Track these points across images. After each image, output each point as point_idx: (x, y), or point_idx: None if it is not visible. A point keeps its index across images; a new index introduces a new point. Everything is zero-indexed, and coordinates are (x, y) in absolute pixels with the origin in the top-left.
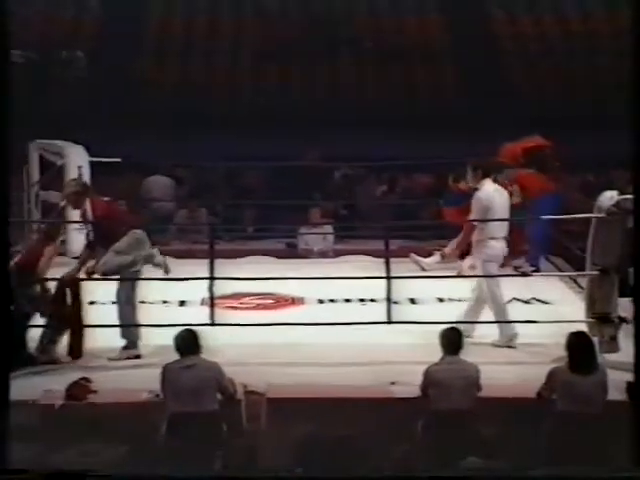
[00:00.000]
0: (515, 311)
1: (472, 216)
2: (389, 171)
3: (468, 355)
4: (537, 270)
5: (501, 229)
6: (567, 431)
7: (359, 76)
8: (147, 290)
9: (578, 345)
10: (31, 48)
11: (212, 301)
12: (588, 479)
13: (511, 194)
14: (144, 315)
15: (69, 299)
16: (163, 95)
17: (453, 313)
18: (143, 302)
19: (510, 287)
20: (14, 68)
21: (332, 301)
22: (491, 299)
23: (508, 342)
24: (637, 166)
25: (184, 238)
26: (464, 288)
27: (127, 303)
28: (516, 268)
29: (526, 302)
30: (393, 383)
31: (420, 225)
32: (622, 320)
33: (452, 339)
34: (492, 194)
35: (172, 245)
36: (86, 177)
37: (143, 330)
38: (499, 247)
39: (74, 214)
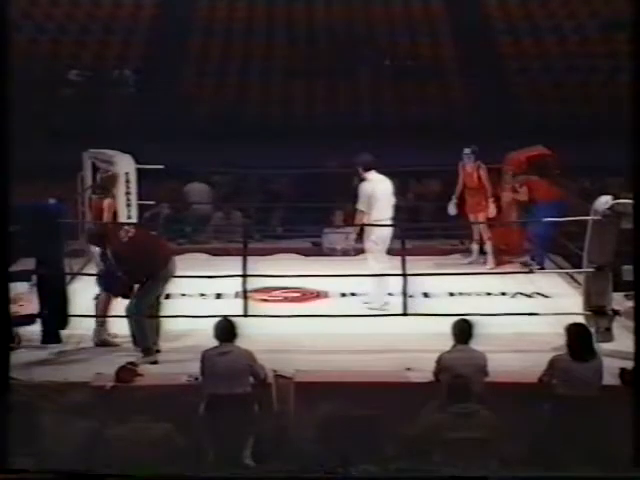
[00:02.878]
0: (519, 304)
1: (359, 202)
2: (402, 177)
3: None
4: (542, 268)
5: (385, 213)
6: (566, 412)
7: (375, 91)
8: (187, 285)
9: (577, 335)
10: (87, 68)
11: (245, 294)
12: (588, 479)
13: (517, 193)
14: (185, 307)
15: None
16: (201, 109)
17: (463, 306)
18: (183, 295)
19: (515, 282)
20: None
21: (353, 295)
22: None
23: (381, 306)
24: (637, 169)
25: (220, 238)
26: (473, 283)
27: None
28: (524, 264)
29: (529, 296)
30: (409, 369)
31: (431, 226)
32: (616, 312)
33: (463, 329)
34: (374, 184)
35: (210, 244)
36: (133, 183)
37: (182, 321)
38: (385, 230)
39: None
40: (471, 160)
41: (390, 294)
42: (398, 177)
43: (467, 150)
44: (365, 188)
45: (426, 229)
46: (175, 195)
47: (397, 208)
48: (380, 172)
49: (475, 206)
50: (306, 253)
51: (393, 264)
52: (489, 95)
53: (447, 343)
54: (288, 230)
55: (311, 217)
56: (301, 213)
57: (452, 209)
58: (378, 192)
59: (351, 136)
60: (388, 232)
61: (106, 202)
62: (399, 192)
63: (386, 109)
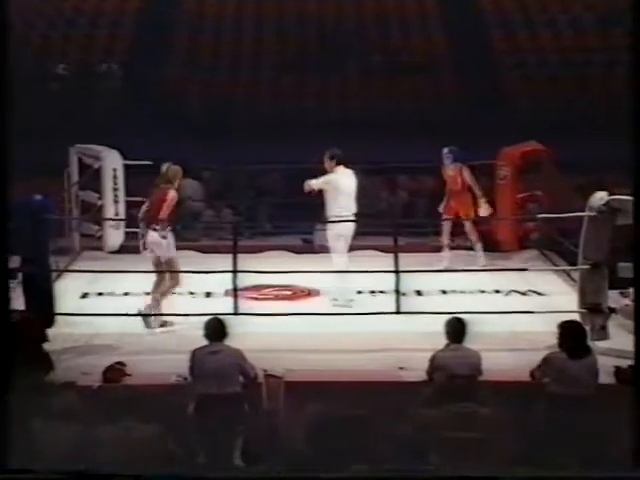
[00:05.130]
0: (513, 302)
1: (327, 194)
2: (394, 173)
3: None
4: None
5: (347, 208)
6: (561, 411)
7: (367, 87)
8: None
9: (570, 332)
10: (73, 62)
11: (235, 292)
12: (588, 479)
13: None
14: (174, 305)
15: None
16: (190, 104)
17: (456, 304)
18: (172, 293)
19: (509, 280)
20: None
21: (352, 294)
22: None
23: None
24: (637, 167)
25: (210, 235)
26: (466, 281)
27: None
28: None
29: (523, 294)
30: (402, 368)
31: (423, 223)
32: (611, 310)
33: (456, 328)
34: (339, 176)
35: (199, 241)
36: (120, 179)
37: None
38: (345, 225)
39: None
40: (450, 160)
41: (382, 292)
42: (391, 173)
43: (445, 150)
44: (330, 177)
45: (418, 226)
46: None
47: (390, 205)
48: (350, 167)
49: (460, 209)
50: (297, 250)
51: (352, 261)
52: (483, 90)
53: (440, 342)
54: (278, 227)
55: (302, 213)
56: (292, 209)
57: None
58: (342, 185)
59: (343, 132)
60: (349, 228)
61: (170, 194)
62: (392, 189)
63: (379, 105)
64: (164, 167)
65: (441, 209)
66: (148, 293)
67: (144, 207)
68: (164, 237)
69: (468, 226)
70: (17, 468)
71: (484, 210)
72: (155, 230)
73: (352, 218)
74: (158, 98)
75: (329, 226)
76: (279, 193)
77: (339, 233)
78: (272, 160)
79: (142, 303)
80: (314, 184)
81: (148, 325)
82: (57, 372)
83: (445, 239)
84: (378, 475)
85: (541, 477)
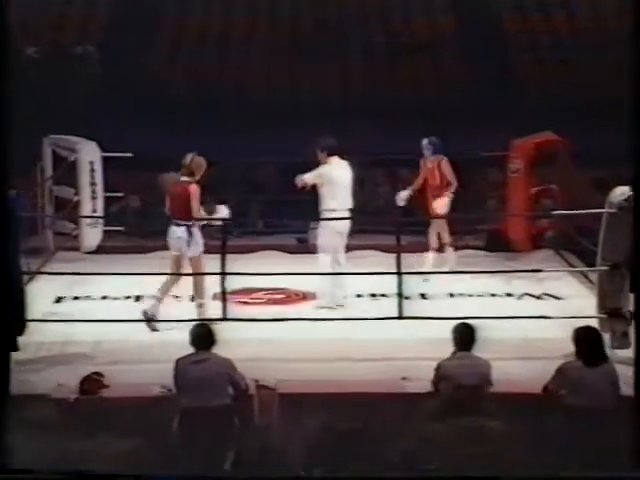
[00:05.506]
0: (526, 306)
1: (321, 188)
2: (395, 165)
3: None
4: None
5: (343, 203)
6: (577, 425)
7: (367, 72)
8: (159, 285)
9: (585, 339)
10: (45, 44)
11: (224, 296)
12: (588, 479)
13: None
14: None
15: None
16: (174, 91)
17: (465, 308)
18: (154, 297)
19: (522, 282)
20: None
21: (344, 297)
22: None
23: (331, 303)
24: (637, 165)
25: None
26: (476, 283)
27: None
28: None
29: (537, 297)
30: (405, 378)
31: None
32: (633, 315)
33: (464, 334)
34: (334, 168)
35: None
36: (98, 173)
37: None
38: (341, 222)
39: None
40: (430, 152)
41: (384, 295)
42: (393, 166)
43: (425, 141)
44: (322, 169)
45: (422, 224)
46: (147, 186)
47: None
48: (345, 159)
49: (436, 204)
50: (291, 250)
51: (350, 261)
52: (492, 76)
53: (447, 350)
54: (271, 225)
55: (296, 211)
56: (285, 206)
57: (401, 199)
58: (336, 178)
59: (342, 121)
60: (344, 225)
61: (193, 188)
62: (393, 182)
63: (379, 92)
64: (187, 158)
65: (400, 200)
66: (129, 297)
67: (167, 203)
68: (190, 235)
69: (442, 226)
70: (17, 468)
71: (439, 205)
72: (179, 227)
73: (348, 214)
74: (139, 84)
75: (323, 222)
76: (272, 188)
77: (335, 230)
78: (265, 152)
79: (146, 305)
80: (307, 178)
81: (154, 329)
82: (29, 384)
83: (432, 239)
84: (378, 475)
85: (541, 477)
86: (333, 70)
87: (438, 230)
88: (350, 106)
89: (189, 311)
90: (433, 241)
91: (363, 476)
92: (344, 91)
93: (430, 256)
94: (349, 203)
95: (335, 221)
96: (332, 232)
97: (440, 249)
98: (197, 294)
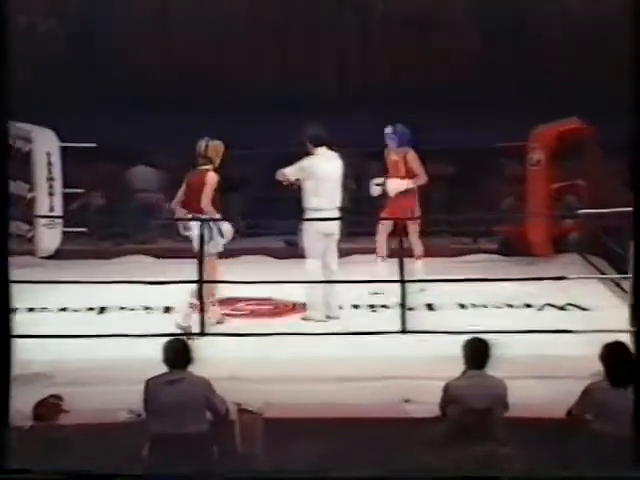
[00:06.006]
0: (548, 318)
1: (304, 183)
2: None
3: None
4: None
5: (330, 201)
6: (604, 456)
7: (367, 50)
8: (127, 295)
9: (615, 356)
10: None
11: (202, 307)
12: (588, 479)
13: None
14: (125, 324)
15: None
16: (142, 71)
17: (477, 321)
18: (123, 308)
19: (543, 291)
20: None
21: (339, 308)
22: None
23: (323, 315)
24: (637, 164)
25: (170, 236)
26: (490, 292)
27: None
28: None
29: (561, 308)
30: (407, 401)
31: (437, 219)
32: None
33: (477, 350)
34: (320, 160)
35: (156, 244)
36: (56, 166)
37: (121, 342)
38: (327, 223)
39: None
40: (394, 142)
41: (385, 306)
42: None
43: (388, 130)
44: (305, 162)
45: (431, 224)
46: (112, 181)
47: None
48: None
49: (402, 204)
50: (278, 255)
51: (344, 268)
52: (510, 54)
53: (456, 368)
54: (255, 226)
55: (285, 209)
56: (272, 204)
57: (375, 190)
58: (321, 172)
59: (338, 107)
60: (331, 226)
61: (210, 176)
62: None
63: (381, 75)
64: (202, 143)
65: (374, 191)
66: (91, 309)
67: (179, 194)
68: (209, 229)
69: (412, 229)
70: (17, 468)
71: (393, 187)
72: (195, 222)
73: (336, 213)
74: (103, 64)
75: (306, 223)
76: (257, 184)
77: (318, 231)
78: (249, 142)
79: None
80: (288, 173)
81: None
82: None
83: (381, 243)
84: (378, 475)
85: (541, 477)
86: (327, 49)
87: (410, 233)
88: (347, 90)
89: (162, 324)
90: (382, 246)
91: (363, 476)
92: (340, 73)
93: (381, 264)
94: (337, 201)
95: (319, 222)
96: (315, 234)
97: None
98: (198, 294)
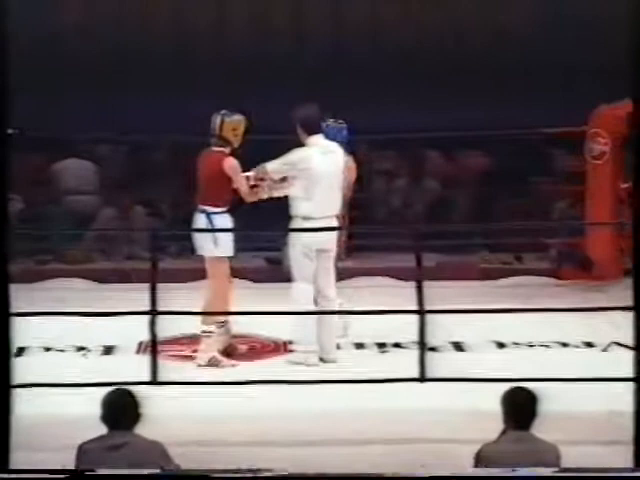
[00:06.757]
0: (616, 362)
1: (293, 183)
2: (414, 148)
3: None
4: None
5: (327, 206)
6: None
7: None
8: (55, 331)
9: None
10: None
11: (154, 347)
12: (588, 479)
13: None
14: (52, 369)
15: None
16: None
17: (520, 365)
18: (49, 350)
19: (609, 325)
20: None
21: (336, 347)
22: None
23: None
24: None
25: (111, 252)
26: (538, 327)
27: None
28: None
29: (635, 349)
30: (424, 466)
31: (466, 230)
32: None
33: (520, 405)
34: (315, 153)
35: (93, 262)
36: None
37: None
38: (321, 235)
39: None
40: (338, 138)
41: (397, 345)
42: (411, 149)
43: (330, 121)
44: (296, 155)
45: (458, 236)
46: (35, 179)
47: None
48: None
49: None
50: (257, 277)
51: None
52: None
53: (492, 427)
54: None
55: (266, 217)
56: (249, 209)
57: None
58: (316, 168)
59: (337, 82)
60: (326, 240)
61: (228, 161)
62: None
63: (386, 37)
64: (216, 119)
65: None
66: None
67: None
68: (213, 224)
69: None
70: (17, 468)
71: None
72: (202, 214)
73: (333, 223)
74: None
75: (293, 236)
76: None
77: (309, 245)
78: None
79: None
80: (271, 169)
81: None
82: None
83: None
84: (378, 475)
85: (541, 477)
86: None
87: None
88: (349, 60)
89: (101, 369)
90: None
91: (363, 476)
92: (338, 37)
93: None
94: (335, 207)
95: (310, 234)
96: (305, 251)
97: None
98: (203, 318)
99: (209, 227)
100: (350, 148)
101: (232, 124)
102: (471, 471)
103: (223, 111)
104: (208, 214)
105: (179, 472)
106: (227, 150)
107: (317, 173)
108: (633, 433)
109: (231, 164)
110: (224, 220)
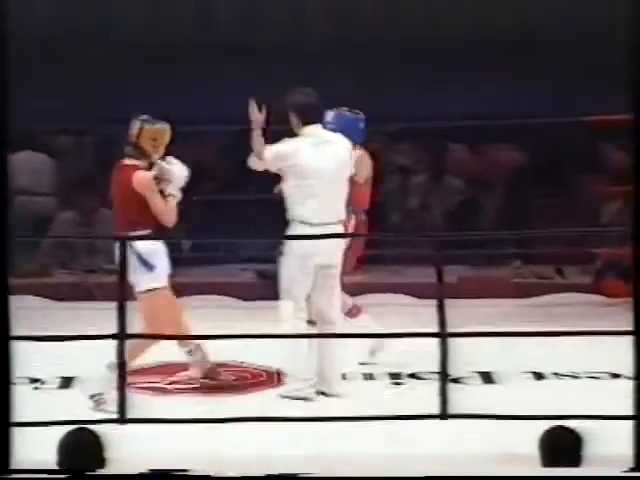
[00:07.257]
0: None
1: (286, 180)
2: (433, 140)
3: None
4: None
5: (326, 212)
6: None
7: None
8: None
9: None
10: None
11: (122, 378)
12: (588, 479)
13: None
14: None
15: None
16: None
17: (561, 400)
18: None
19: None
20: None
21: (341, 378)
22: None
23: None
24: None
25: (72, 264)
26: (582, 354)
27: None
28: None
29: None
30: None
31: (497, 238)
32: None
33: (562, 446)
34: (310, 144)
35: (51, 275)
36: None
37: None
38: (319, 244)
39: None
40: (353, 130)
41: (414, 376)
42: (429, 141)
43: (330, 115)
44: (290, 147)
45: (486, 245)
46: None
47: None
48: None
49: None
50: (245, 293)
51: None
52: None
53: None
54: (209, 248)
55: (256, 222)
56: (236, 213)
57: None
58: (313, 163)
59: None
60: (328, 250)
61: (139, 176)
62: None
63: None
64: (134, 126)
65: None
66: None
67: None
68: (140, 254)
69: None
70: (17, 468)
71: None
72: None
73: (337, 229)
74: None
75: (288, 244)
76: (212, 179)
77: (308, 258)
78: (200, 116)
79: None
80: (259, 164)
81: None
82: None
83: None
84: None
85: (542, 477)
86: None
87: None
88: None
89: (56, 405)
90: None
91: (364, 476)
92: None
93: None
94: (338, 210)
95: (308, 242)
96: (301, 262)
97: None
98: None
99: (133, 257)
100: (366, 140)
101: (152, 132)
102: (471, 471)
103: (144, 116)
104: (124, 242)
105: (179, 472)
106: (142, 163)
107: (308, 169)
108: (633, 433)
109: (141, 180)
110: (149, 244)
